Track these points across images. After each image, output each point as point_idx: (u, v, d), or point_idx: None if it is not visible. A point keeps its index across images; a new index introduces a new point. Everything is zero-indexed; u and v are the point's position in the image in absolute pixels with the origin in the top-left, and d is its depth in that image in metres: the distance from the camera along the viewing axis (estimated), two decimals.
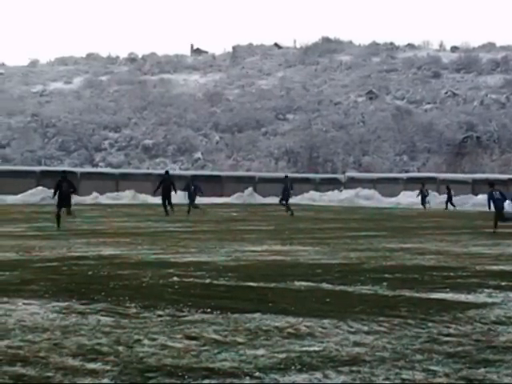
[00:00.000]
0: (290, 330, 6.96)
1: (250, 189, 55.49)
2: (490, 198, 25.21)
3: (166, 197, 32.69)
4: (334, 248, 16.62)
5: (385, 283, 10.41)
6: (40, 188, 49.25)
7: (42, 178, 52.61)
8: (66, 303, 8.33)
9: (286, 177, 37.73)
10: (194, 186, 36.00)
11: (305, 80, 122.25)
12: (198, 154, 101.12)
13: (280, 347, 6.26)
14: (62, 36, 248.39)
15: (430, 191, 48.18)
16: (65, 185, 24.84)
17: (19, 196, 47.34)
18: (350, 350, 6.23)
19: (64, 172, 27.06)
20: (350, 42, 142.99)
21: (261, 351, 6.11)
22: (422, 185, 46.73)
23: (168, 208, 32.20)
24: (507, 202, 27.39)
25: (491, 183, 26.82)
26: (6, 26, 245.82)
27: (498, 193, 25.52)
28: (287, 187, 35.08)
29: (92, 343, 6.32)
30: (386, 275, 11.42)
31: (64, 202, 24.42)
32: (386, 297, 9.27)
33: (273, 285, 10.18)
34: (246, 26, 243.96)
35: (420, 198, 45.72)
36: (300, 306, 8.36)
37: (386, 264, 13.32)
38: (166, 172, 36.26)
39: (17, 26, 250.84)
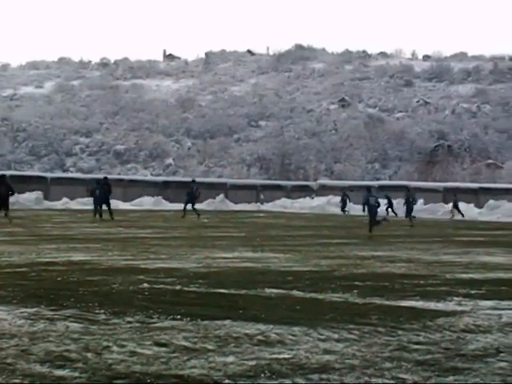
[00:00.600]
0: (260, 337, 6.95)
1: (222, 195, 55.44)
2: (365, 202, 26.20)
3: (104, 201, 33.12)
4: (305, 255, 16.63)
5: (355, 291, 10.42)
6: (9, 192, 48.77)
7: (11, 183, 52.21)
8: (35, 309, 8.25)
9: (194, 181, 38.76)
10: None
11: (277, 87, 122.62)
12: (170, 160, 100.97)
13: (250, 354, 6.24)
14: (34, 40, 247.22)
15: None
16: (3, 188, 25.99)
17: None
18: (319, 357, 6.22)
19: (2, 176, 28.10)
20: (323, 50, 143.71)
21: (230, 358, 6.09)
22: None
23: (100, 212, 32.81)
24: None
25: (368, 187, 27.89)
26: None
27: (374, 198, 26.49)
28: (193, 192, 36.31)
29: (60, 350, 6.26)
30: (357, 283, 11.45)
31: (1, 204, 25.57)
32: (357, 304, 9.29)
33: (243, 292, 10.16)
34: (219, 32, 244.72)
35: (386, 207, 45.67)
36: (270, 313, 8.35)
37: (356, 272, 13.35)
38: (105, 178, 36.87)
39: None
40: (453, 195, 47.65)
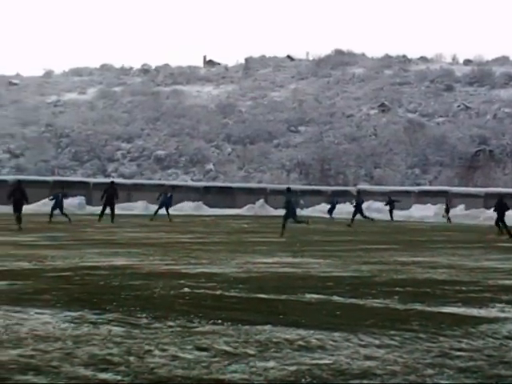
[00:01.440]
0: (300, 342, 6.96)
1: (262, 200, 55.49)
2: (287, 203, 27.81)
3: (109, 204, 34.37)
4: (345, 261, 16.60)
5: (396, 297, 10.39)
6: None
7: (55, 188, 52.74)
8: (78, 313, 8.36)
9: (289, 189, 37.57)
10: (170, 195, 37.38)
11: (317, 92, 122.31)
12: (210, 166, 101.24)
13: (290, 360, 6.26)
14: (77, 47, 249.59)
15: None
16: (18, 193, 27.42)
17: (32, 205, 47.46)
18: (360, 363, 6.22)
19: (19, 181, 29.85)
20: (363, 55, 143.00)
21: (271, 363, 6.12)
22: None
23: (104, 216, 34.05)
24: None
25: (288, 188, 29.91)
26: (21, 36, 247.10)
27: (294, 199, 28.81)
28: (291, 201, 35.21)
29: (103, 353, 6.34)
30: (398, 289, 11.40)
31: (15, 208, 26.98)
32: (398, 310, 9.26)
33: (284, 297, 10.19)
34: (259, 37, 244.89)
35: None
36: (311, 318, 8.36)
37: (397, 277, 13.30)
38: (112, 182, 38.07)
39: (32, 36, 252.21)
40: (446, 200, 47.55)
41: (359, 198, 39.17)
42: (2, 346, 6.54)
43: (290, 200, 27.87)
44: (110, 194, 34.65)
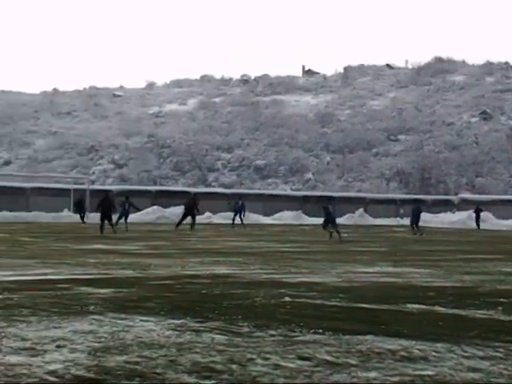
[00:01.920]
0: (402, 353, 6.91)
1: (361, 210, 55.21)
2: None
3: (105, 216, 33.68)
4: (448, 271, 16.35)
5: (500, 307, 10.18)
6: (155, 207, 50.41)
7: (157, 198, 53.84)
8: (181, 321, 8.49)
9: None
10: (241, 203, 37.60)
11: (417, 100, 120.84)
12: (309, 175, 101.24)
13: (393, 370, 6.23)
14: (178, 59, 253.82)
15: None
16: (106, 203, 30.16)
17: (135, 215, 48.49)
18: (464, 375, 6.14)
19: (108, 191, 33.74)
20: (463, 62, 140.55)
21: (373, 374, 6.09)
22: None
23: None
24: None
25: (240, 196, 32.71)
26: (124, 50, 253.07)
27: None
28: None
29: (206, 361, 6.43)
30: (502, 299, 11.17)
31: (104, 216, 30.02)
32: (502, 322, 9.08)
33: (385, 307, 10.12)
34: (358, 46, 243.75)
35: None
36: (412, 328, 8.28)
37: (501, 288, 13.03)
38: (108, 192, 37.46)
39: (135, 50, 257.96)
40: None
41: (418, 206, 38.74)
42: (109, 352, 6.71)
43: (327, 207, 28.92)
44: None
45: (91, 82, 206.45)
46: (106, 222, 30.30)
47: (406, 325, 8.53)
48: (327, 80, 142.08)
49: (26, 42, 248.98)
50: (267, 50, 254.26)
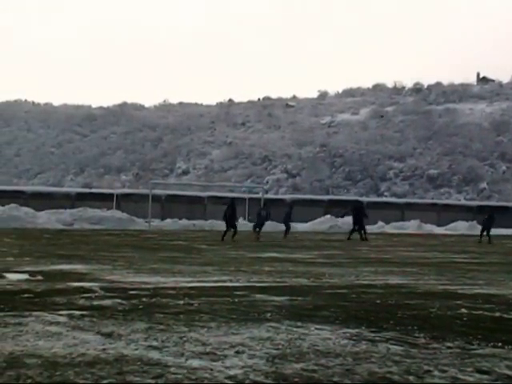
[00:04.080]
0: None
1: None
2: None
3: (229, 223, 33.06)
4: None
5: None
6: (328, 216, 50.64)
7: (329, 207, 54.10)
8: (356, 330, 8.52)
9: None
10: (266, 211, 35.85)
11: None
12: (484, 184, 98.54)
13: None
14: (350, 68, 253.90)
15: None
16: (230, 210, 31.97)
17: (309, 224, 48.94)
18: None
19: (232, 199, 34.72)
20: None
21: None
22: None
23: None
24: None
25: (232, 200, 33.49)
26: (297, 60, 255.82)
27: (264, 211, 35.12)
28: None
29: (383, 371, 6.43)
30: None
31: (227, 224, 31.98)
32: None
33: None
34: None
35: None
36: None
37: None
38: (232, 199, 36.20)
39: (307, 60, 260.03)
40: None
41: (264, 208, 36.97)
42: (286, 359, 6.83)
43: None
44: (229, 214, 33.46)
45: (265, 93, 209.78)
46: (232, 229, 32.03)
47: None
48: (503, 87, 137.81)
49: (203, 54, 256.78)
50: (440, 58, 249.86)
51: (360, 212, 36.35)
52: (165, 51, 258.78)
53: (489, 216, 37.47)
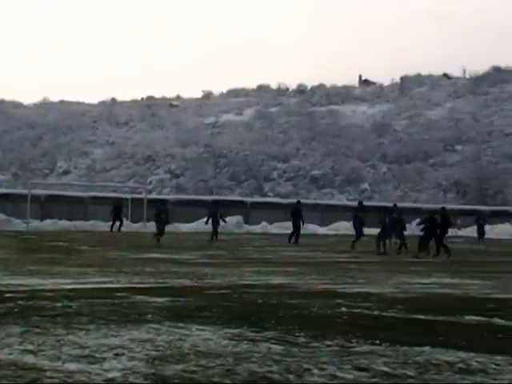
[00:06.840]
0: (461, 365, 6.84)
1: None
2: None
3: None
4: (507, 282, 16.13)
5: None
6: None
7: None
8: (238, 330, 8.52)
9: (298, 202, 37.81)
10: (219, 213, 36.89)
11: (475, 110, 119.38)
12: (365, 185, 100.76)
13: (451, 383, 6.17)
14: (234, 68, 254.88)
15: None
16: (163, 215, 31.63)
17: (193, 224, 48.82)
18: None
19: (163, 202, 35.98)
20: None
21: None
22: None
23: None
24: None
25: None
26: (181, 60, 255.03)
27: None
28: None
29: (263, 370, 6.44)
30: None
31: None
32: None
33: (442, 318, 10.03)
34: (415, 56, 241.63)
35: None
36: (471, 340, 8.19)
37: None
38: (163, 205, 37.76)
39: (192, 59, 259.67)
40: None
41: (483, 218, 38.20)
42: (167, 360, 6.77)
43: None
44: (214, 213, 35.76)
45: (148, 92, 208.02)
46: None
47: (464, 337, 8.44)
48: (384, 90, 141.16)
49: (86, 52, 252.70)
50: (323, 60, 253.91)
51: (357, 216, 34.63)
52: (45, 48, 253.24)
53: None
